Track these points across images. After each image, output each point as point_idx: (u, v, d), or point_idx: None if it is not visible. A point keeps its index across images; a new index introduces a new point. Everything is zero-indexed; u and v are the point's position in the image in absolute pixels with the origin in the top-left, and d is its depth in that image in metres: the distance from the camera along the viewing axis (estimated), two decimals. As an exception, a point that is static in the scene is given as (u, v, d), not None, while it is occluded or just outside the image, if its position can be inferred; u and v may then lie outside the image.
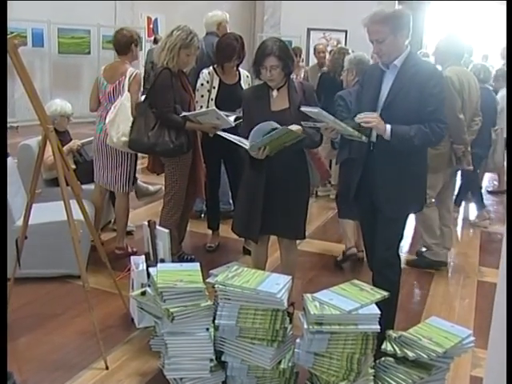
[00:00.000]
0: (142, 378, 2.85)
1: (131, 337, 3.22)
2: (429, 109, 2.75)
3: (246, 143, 3.06)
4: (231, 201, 4.87)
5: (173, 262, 3.28)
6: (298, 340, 2.56)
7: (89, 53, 11.45)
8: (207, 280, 2.84)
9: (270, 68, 3.10)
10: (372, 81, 2.93)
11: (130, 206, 4.44)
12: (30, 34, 10.28)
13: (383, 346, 2.50)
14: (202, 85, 4.26)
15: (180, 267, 2.82)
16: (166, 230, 3.25)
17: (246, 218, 3.28)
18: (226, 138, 3.27)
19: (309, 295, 2.59)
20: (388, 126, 2.73)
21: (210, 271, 3.63)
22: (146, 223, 3.29)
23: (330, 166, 4.89)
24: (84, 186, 4.06)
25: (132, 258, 3.40)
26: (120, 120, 3.90)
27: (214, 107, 3.92)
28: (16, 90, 8.69)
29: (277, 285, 2.54)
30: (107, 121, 3.95)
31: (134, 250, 4.34)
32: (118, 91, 4.09)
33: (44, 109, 2.93)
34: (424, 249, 4.57)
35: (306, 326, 2.47)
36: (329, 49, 9.14)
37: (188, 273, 2.71)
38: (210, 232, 4.77)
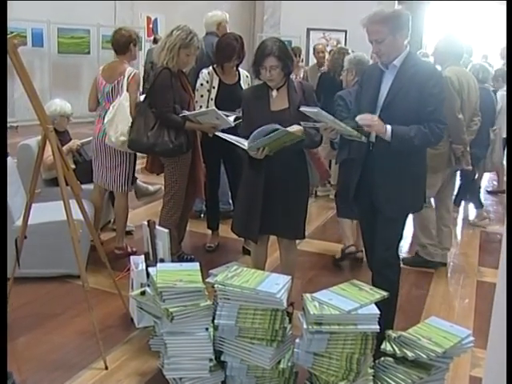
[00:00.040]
0: (141, 378, 2.85)
1: (131, 337, 3.22)
2: (428, 109, 2.75)
3: (244, 144, 3.06)
4: (231, 201, 4.88)
5: (172, 261, 3.28)
6: (297, 340, 2.57)
7: (88, 53, 11.45)
8: (207, 280, 2.84)
9: (269, 68, 3.10)
10: (371, 81, 2.93)
11: (129, 206, 4.44)
12: (29, 34, 10.29)
13: (382, 346, 2.50)
14: (202, 85, 4.26)
15: (179, 267, 2.82)
16: (166, 230, 3.25)
17: (245, 218, 3.28)
18: (224, 139, 3.27)
19: (308, 295, 2.59)
20: (388, 127, 2.73)
21: (210, 271, 3.63)
22: (146, 223, 3.29)
23: (330, 166, 4.89)
24: (83, 186, 4.03)
25: (131, 257, 3.40)
26: (119, 120, 3.90)
27: (214, 107, 3.92)
28: (16, 90, 8.69)
29: (276, 285, 2.54)
30: (106, 120, 3.95)
31: (134, 249, 4.34)
32: (116, 91, 4.09)
33: (44, 109, 2.93)
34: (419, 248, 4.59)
35: (305, 326, 2.47)
36: (328, 49, 9.16)
37: (187, 273, 2.71)
38: (209, 232, 4.77)
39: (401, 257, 3.63)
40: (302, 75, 7.70)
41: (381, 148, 2.80)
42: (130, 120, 3.90)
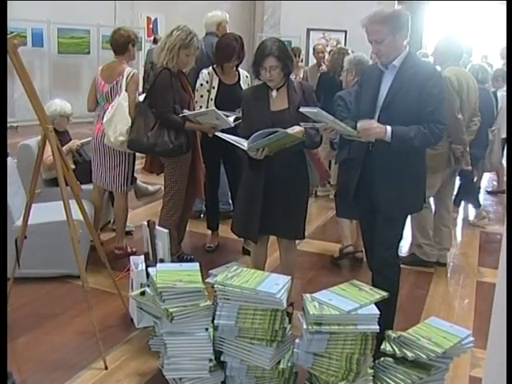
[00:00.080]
0: (141, 378, 2.85)
1: (130, 337, 3.22)
2: (428, 109, 2.75)
3: (244, 144, 3.06)
4: (230, 201, 4.87)
5: (172, 262, 3.28)
6: (297, 340, 2.57)
7: (88, 53, 11.45)
8: (206, 280, 2.83)
9: (269, 68, 3.10)
10: (371, 81, 2.94)
11: (129, 206, 4.44)
12: (29, 34, 10.28)
13: (382, 346, 2.50)
14: (202, 85, 4.26)
15: (179, 267, 2.82)
16: (166, 230, 3.25)
17: (245, 218, 3.28)
18: (224, 139, 3.27)
19: (308, 295, 2.59)
20: (388, 128, 2.73)
21: (210, 271, 3.63)
22: (146, 223, 3.29)
23: (330, 167, 4.89)
24: (83, 186, 4.05)
25: (131, 258, 3.40)
26: (117, 120, 3.90)
27: (214, 107, 3.92)
28: (16, 90, 8.69)
29: (276, 285, 2.54)
30: (104, 120, 3.96)
31: (134, 250, 4.34)
32: (115, 91, 4.09)
33: (43, 109, 2.93)
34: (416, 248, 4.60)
35: (305, 326, 2.47)
36: (328, 49, 9.16)
37: (187, 273, 2.71)
38: (209, 232, 4.77)
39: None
40: (301, 75, 7.70)
41: (380, 148, 2.80)
42: (129, 120, 3.90)
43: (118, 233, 4.40)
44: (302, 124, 2.93)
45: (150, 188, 5.01)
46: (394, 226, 2.97)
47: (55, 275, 3.85)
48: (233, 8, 12.10)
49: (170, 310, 2.51)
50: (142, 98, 4.11)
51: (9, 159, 3.69)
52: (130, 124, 3.89)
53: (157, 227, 3.30)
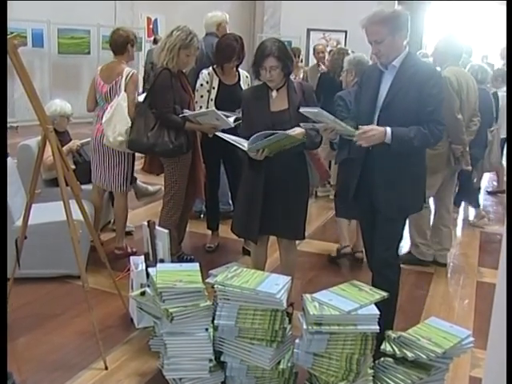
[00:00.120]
0: (141, 379, 2.85)
1: (131, 337, 3.22)
2: (428, 109, 2.75)
3: (244, 144, 3.06)
4: (231, 201, 4.87)
5: (172, 262, 3.28)
6: (297, 340, 2.57)
7: (88, 53, 11.45)
8: (206, 280, 2.84)
9: (269, 69, 3.10)
10: (370, 81, 2.94)
11: (129, 206, 4.44)
12: (29, 34, 10.27)
13: (382, 347, 2.51)
14: (202, 85, 4.26)
15: (179, 267, 2.83)
16: (166, 231, 3.25)
17: (245, 219, 3.28)
18: (224, 139, 3.27)
19: (308, 295, 2.59)
20: (388, 130, 2.73)
21: (210, 271, 3.63)
22: (146, 223, 3.29)
23: (330, 167, 4.89)
24: (83, 186, 4.05)
25: (131, 258, 3.40)
26: (116, 120, 3.91)
27: (214, 108, 3.93)
28: (16, 90, 8.69)
29: (276, 285, 2.54)
30: (104, 120, 3.96)
31: (134, 250, 4.34)
32: (114, 91, 4.09)
33: (44, 109, 2.93)
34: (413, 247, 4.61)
35: (305, 327, 2.47)
36: (328, 49, 9.16)
37: (187, 273, 2.71)
38: (209, 232, 4.77)
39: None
40: (301, 76, 7.71)
41: (380, 148, 2.80)
42: (128, 120, 3.90)
43: (118, 233, 4.41)
44: (301, 124, 2.93)
45: (150, 188, 5.01)
46: (394, 226, 2.97)
47: (55, 275, 3.85)
48: (233, 8, 12.11)
49: (170, 311, 2.51)
50: (141, 98, 4.11)
51: (9, 159, 3.69)
52: (129, 124, 3.89)
53: (157, 227, 3.30)
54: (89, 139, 4.44)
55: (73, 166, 4.14)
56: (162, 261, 3.13)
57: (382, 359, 2.57)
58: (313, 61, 9.06)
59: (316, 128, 2.91)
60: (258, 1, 14.49)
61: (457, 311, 3.81)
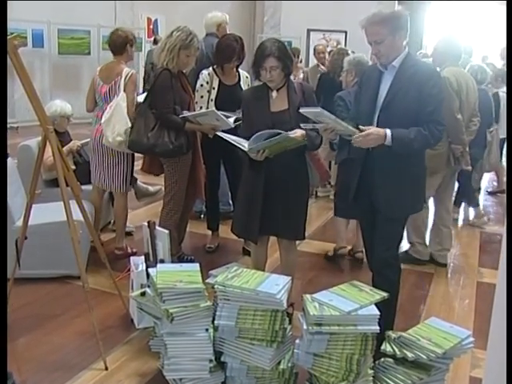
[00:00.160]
0: (141, 379, 2.85)
1: (131, 337, 3.22)
2: (427, 109, 2.76)
3: (244, 145, 3.06)
4: (231, 201, 4.88)
5: (172, 262, 3.28)
6: (297, 341, 2.57)
7: (89, 53, 11.46)
8: (207, 281, 2.84)
9: (269, 69, 3.10)
10: (370, 82, 2.94)
11: (129, 207, 4.44)
12: (29, 35, 10.28)
13: (382, 347, 2.51)
14: (202, 86, 4.26)
15: (180, 268, 2.82)
16: (166, 231, 3.25)
17: (245, 219, 3.28)
18: (225, 139, 3.27)
19: (308, 296, 2.59)
20: (388, 133, 2.73)
21: (210, 272, 3.63)
22: (146, 224, 3.28)
23: (330, 167, 4.89)
24: (83, 187, 4.06)
25: (132, 258, 3.40)
26: (116, 120, 3.91)
27: (214, 108, 3.93)
28: (16, 91, 8.70)
29: (276, 285, 2.54)
30: (103, 121, 3.96)
31: (134, 250, 4.34)
32: (113, 91, 4.10)
33: (44, 109, 2.93)
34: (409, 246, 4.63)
35: (305, 327, 2.47)
36: (328, 49, 9.16)
37: (187, 273, 2.71)
38: (209, 233, 4.77)
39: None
40: (300, 76, 7.71)
41: (380, 149, 2.80)
42: (128, 120, 3.91)
43: (118, 233, 4.41)
44: (302, 125, 2.93)
45: (151, 188, 5.01)
46: (394, 226, 2.98)
47: (55, 276, 3.85)
48: (233, 9, 12.13)
49: (171, 311, 2.51)
50: (140, 98, 4.12)
51: (9, 160, 3.69)
52: (128, 124, 3.90)
53: (157, 228, 3.30)
54: (89, 139, 4.44)
55: (73, 167, 4.14)
56: (162, 261, 3.12)
57: (382, 359, 2.57)
58: (313, 61, 9.06)
59: (316, 128, 2.91)
60: (258, 1, 14.50)
61: (457, 311, 3.81)
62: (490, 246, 5.17)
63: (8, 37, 2.59)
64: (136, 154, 4.24)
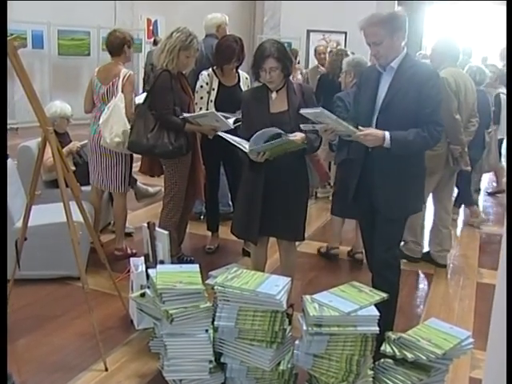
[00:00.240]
0: (141, 380, 2.85)
1: (131, 338, 3.22)
2: (426, 110, 2.76)
3: (245, 146, 3.07)
4: (230, 202, 4.88)
5: (172, 263, 3.28)
6: (297, 341, 2.57)
7: (88, 54, 11.46)
8: (206, 281, 2.84)
9: (269, 70, 3.11)
10: (369, 82, 2.94)
11: (129, 208, 4.44)
12: (29, 36, 10.27)
13: (382, 348, 2.51)
14: (202, 87, 4.26)
15: (179, 269, 2.83)
16: (166, 232, 3.25)
17: (245, 220, 3.28)
18: (226, 140, 3.27)
19: (308, 297, 2.59)
20: (387, 135, 2.73)
21: (210, 273, 3.64)
22: (146, 225, 3.29)
23: (329, 168, 4.89)
24: (83, 188, 4.07)
25: (131, 259, 3.40)
26: (113, 121, 3.92)
27: (213, 110, 3.93)
28: (16, 92, 8.68)
29: (276, 286, 2.54)
30: (101, 122, 3.96)
31: (134, 251, 4.34)
32: (111, 92, 4.10)
33: (44, 110, 2.94)
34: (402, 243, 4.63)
35: (305, 328, 2.47)
36: (328, 50, 9.16)
37: (187, 274, 2.71)
38: (209, 234, 4.77)
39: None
40: (298, 77, 7.71)
41: (380, 149, 2.80)
42: (126, 121, 3.91)
43: (118, 234, 4.41)
44: (301, 125, 2.93)
45: (150, 189, 5.02)
46: (394, 226, 2.98)
47: (55, 277, 3.85)
48: (233, 9, 12.12)
49: (170, 312, 2.52)
50: (138, 99, 4.12)
51: (9, 161, 3.70)
52: (126, 125, 3.91)
53: (157, 229, 3.30)
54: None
55: (73, 168, 4.15)
56: (161, 262, 3.13)
57: (382, 360, 2.57)
58: (313, 62, 9.06)
59: (316, 129, 2.91)
60: (257, 1, 14.51)
61: (457, 312, 3.81)
62: (489, 247, 5.18)
63: (8, 38, 2.59)
64: (135, 156, 4.25)
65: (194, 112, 3.96)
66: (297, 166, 3.25)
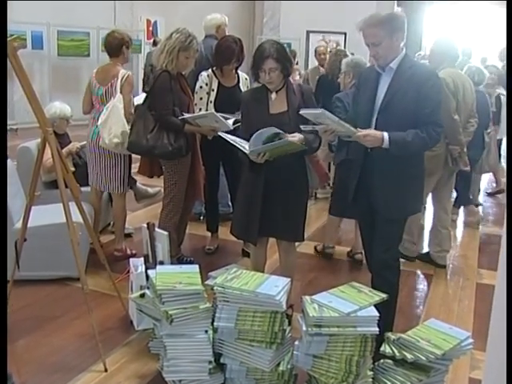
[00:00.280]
0: (140, 381, 2.85)
1: (130, 339, 3.22)
2: (426, 111, 2.76)
3: (245, 146, 3.07)
4: (230, 203, 4.88)
5: (172, 264, 3.28)
6: (296, 342, 2.57)
7: (88, 55, 11.47)
8: (206, 282, 2.83)
9: (268, 71, 3.11)
10: (368, 83, 2.94)
11: (128, 208, 4.45)
12: (29, 37, 10.28)
13: (382, 348, 2.51)
14: (201, 87, 4.26)
15: (179, 269, 2.83)
16: (165, 233, 3.25)
17: (244, 220, 3.28)
18: (226, 140, 3.27)
19: (308, 297, 2.60)
20: (386, 136, 2.73)
21: (209, 273, 3.63)
22: (145, 225, 3.29)
23: (329, 169, 4.89)
24: (83, 189, 4.05)
25: (131, 260, 3.41)
26: (112, 122, 3.92)
27: (213, 110, 3.93)
28: (15, 93, 8.68)
29: (276, 287, 2.54)
30: (99, 122, 3.96)
31: (133, 252, 4.34)
32: (110, 93, 4.10)
33: (43, 111, 2.94)
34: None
35: (304, 328, 2.47)
36: (329, 50, 9.16)
37: (187, 275, 2.71)
38: (208, 234, 4.77)
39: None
40: (297, 78, 7.71)
41: (379, 150, 2.80)
42: (124, 122, 3.92)
43: (117, 234, 4.41)
44: (301, 126, 2.93)
45: (150, 190, 5.02)
46: (394, 227, 2.98)
47: (55, 277, 3.85)
48: (232, 10, 12.13)
49: (170, 312, 2.52)
50: (136, 99, 4.11)
51: (8, 161, 3.69)
52: (124, 126, 3.91)
53: (156, 229, 3.30)
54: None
55: (72, 168, 4.15)
56: (161, 263, 3.12)
57: (382, 361, 2.57)
58: (313, 63, 9.06)
59: (315, 130, 2.91)
60: (257, 1, 14.51)
61: (456, 313, 3.80)
62: (489, 247, 5.17)
63: (8, 39, 2.59)
64: (134, 156, 4.25)
65: (194, 113, 3.96)
66: (296, 166, 3.25)
